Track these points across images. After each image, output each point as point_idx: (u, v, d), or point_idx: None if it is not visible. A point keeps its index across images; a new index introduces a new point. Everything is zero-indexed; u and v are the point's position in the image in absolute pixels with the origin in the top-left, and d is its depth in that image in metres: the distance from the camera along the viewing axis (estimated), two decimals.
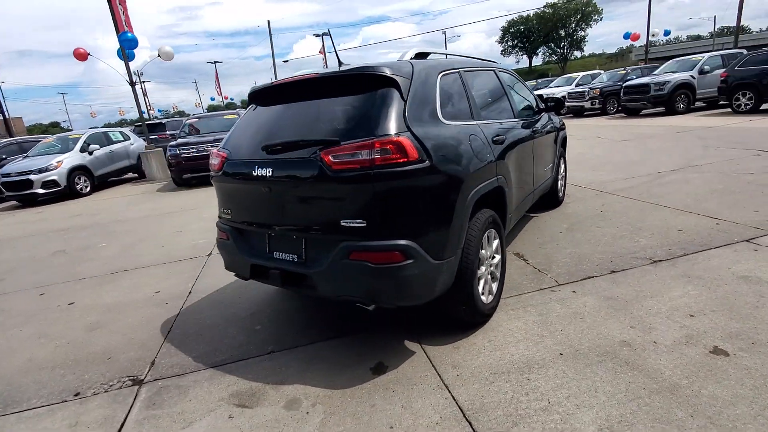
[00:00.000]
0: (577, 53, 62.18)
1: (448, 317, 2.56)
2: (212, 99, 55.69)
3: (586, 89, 15.85)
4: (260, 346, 2.66)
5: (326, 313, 3.00)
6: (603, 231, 3.95)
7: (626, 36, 26.89)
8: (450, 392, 2.05)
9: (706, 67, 12.84)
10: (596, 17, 57.13)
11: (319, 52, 29.31)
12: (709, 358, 2.07)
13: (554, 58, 61.67)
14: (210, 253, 4.63)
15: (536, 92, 16.33)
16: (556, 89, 17.89)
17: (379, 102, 2.08)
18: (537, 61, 66.15)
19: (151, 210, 7.66)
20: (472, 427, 1.82)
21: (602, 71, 19.79)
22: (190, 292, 3.63)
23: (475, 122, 2.62)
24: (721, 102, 12.72)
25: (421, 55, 2.63)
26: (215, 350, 2.67)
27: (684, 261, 3.14)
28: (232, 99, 65.98)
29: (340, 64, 2.63)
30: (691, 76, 12.80)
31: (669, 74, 13.28)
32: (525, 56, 65.16)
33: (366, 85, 2.16)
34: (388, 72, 2.12)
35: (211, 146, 9.00)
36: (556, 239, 3.89)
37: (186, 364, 2.55)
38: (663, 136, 9.23)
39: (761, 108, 11.01)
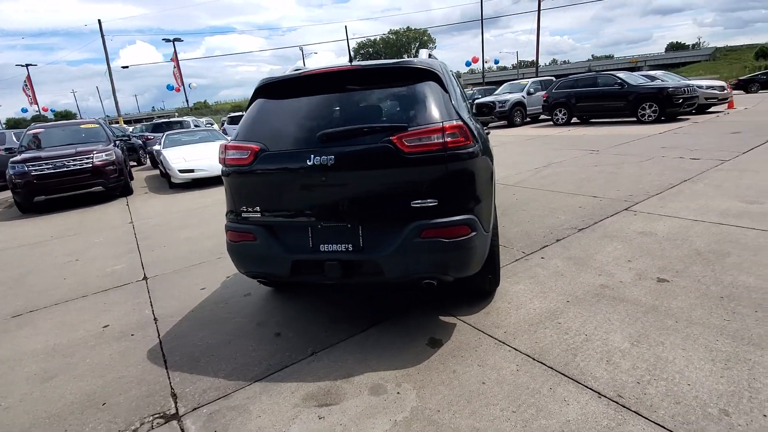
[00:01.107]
0: None
1: (470, 289, 2.87)
2: (24, 110, 43.96)
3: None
4: (297, 351, 2.51)
5: (343, 309, 2.97)
6: (529, 213, 4.81)
7: (468, 64, 32.02)
8: (509, 346, 2.36)
9: (531, 89, 16.22)
10: (431, 45, 65.51)
11: (171, 59, 26.15)
12: (660, 285, 2.86)
13: None
14: (144, 277, 3.94)
15: (483, 100, 17.13)
16: (508, 96, 19.90)
17: (429, 93, 2.28)
18: None
19: (10, 241, 5.91)
20: (545, 365, 2.16)
21: None
22: (156, 319, 3.09)
23: (472, 118, 3.01)
24: (542, 117, 16.16)
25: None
26: (245, 365, 2.41)
27: (598, 227, 4.12)
28: (53, 110, 53.23)
29: (351, 59, 2.72)
30: (523, 96, 15.99)
31: (507, 94, 16.31)
32: None
33: (408, 78, 2.34)
34: (429, 66, 2.35)
35: (74, 160, 7.41)
36: (498, 222, 4.57)
37: (221, 386, 2.25)
38: (518, 143, 11.34)
39: (572, 121, 14.46)
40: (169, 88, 27.15)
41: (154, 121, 15.74)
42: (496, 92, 17.66)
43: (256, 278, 2.65)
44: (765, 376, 1.92)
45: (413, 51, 65.08)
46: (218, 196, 7.63)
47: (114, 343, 2.80)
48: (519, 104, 15.83)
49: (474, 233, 2.23)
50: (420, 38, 64.16)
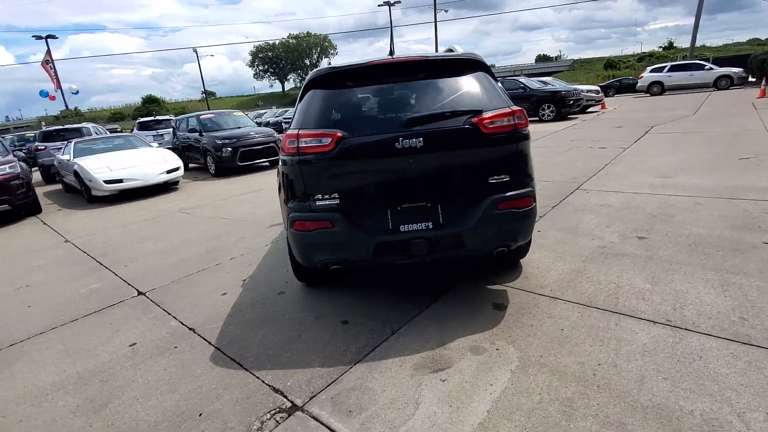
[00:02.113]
0: None
1: (506, 260, 3.21)
2: None
3: None
4: (376, 333, 2.57)
5: (396, 292, 3.07)
6: None
7: None
8: (562, 299, 2.74)
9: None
10: (333, 51, 66.06)
11: (43, 63, 21.87)
12: (642, 241, 3.52)
13: None
14: (140, 293, 3.52)
15: None
16: None
17: (486, 82, 2.55)
18: (290, 85, 70.64)
19: None
20: (600, 309, 2.58)
21: None
22: (192, 329, 2.83)
23: None
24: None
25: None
26: (333, 353, 2.41)
27: (566, 204, 4.81)
28: None
29: (392, 53, 2.86)
30: None
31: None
32: (278, 81, 68.33)
33: (465, 68, 2.58)
34: (480, 59, 2.62)
35: None
36: None
37: (323, 374, 2.23)
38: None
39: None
40: (43, 94, 22.91)
41: (44, 129, 13.38)
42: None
43: (330, 267, 2.60)
44: (753, 292, 2.57)
45: (315, 56, 64.95)
46: (159, 207, 6.94)
47: (159, 359, 2.53)
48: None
49: (535, 203, 2.56)
50: (321, 44, 64.20)
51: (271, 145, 9.84)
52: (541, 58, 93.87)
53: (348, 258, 2.50)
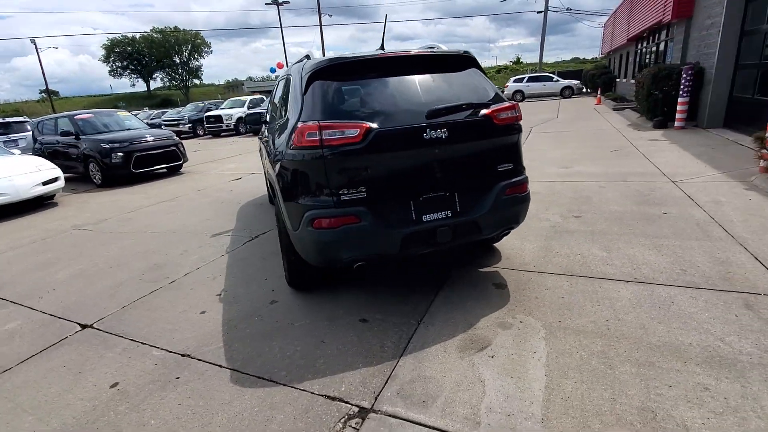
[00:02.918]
0: (197, 81, 64.02)
1: (485, 244, 3.47)
2: None
3: (263, 111, 17.89)
4: (402, 325, 2.57)
5: (401, 286, 3.07)
6: None
7: (272, 70, 32.65)
8: (548, 273, 3.10)
9: (251, 104, 18.65)
10: (206, 49, 60.96)
11: None
12: (579, 219, 4.16)
13: (174, 83, 60.78)
14: (85, 326, 2.86)
15: (213, 113, 18.21)
16: (233, 110, 19.14)
17: (483, 78, 2.75)
18: (157, 84, 62.97)
19: None
20: (582, 276, 2.99)
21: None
22: (186, 355, 2.44)
23: None
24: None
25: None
26: (370, 351, 2.34)
27: None
28: None
29: (383, 47, 2.88)
30: (244, 112, 18.02)
31: (230, 110, 18.44)
32: (141, 80, 60.31)
33: (462, 64, 2.73)
34: (474, 57, 2.80)
35: None
36: None
37: (374, 372, 2.16)
38: None
39: None
40: None
41: None
42: (222, 106, 20.24)
43: (354, 263, 2.49)
44: (678, 249, 3.27)
45: (186, 53, 59.10)
46: (45, 226, 5.67)
47: (163, 394, 2.13)
48: (240, 118, 18.08)
49: (529, 188, 2.85)
50: (192, 41, 58.69)
51: (172, 149, 8.75)
52: None
53: (376, 253, 2.45)
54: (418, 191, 2.48)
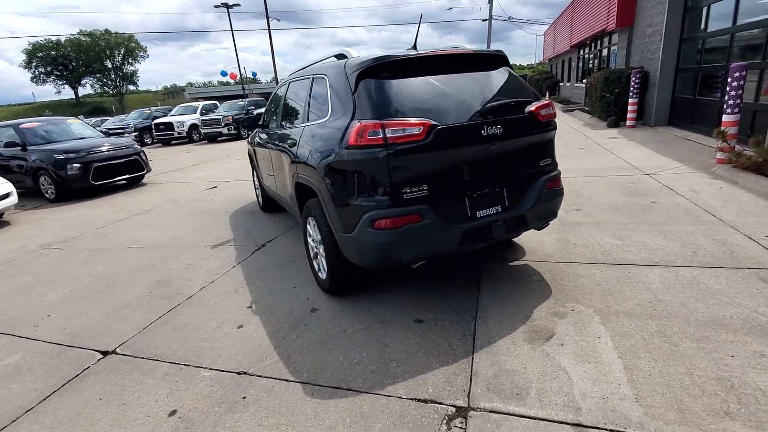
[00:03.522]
0: (132, 87, 59.81)
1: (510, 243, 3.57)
2: None
3: (220, 116, 17.10)
4: (460, 322, 2.58)
5: (430, 283, 3.06)
6: None
7: (224, 73, 31.45)
8: (576, 262, 3.24)
9: (203, 110, 18.20)
10: (142, 54, 57.24)
11: None
12: (582, 212, 4.39)
13: (107, 90, 56.38)
14: (107, 352, 2.56)
15: (163, 120, 17.38)
16: (184, 117, 18.13)
17: (517, 77, 2.83)
18: (86, 91, 58.08)
19: None
20: (607, 263, 3.16)
21: (218, 103, 21.30)
22: (243, 372, 2.26)
23: None
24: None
25: None
26: (441, 350, 2.32)
27: None
28: None
29: (415, 47, 2.89)
30: (197, 119, 17.67)
31: (182, 116, 17.90)
32: (68, 86, 55.33)
33: (499, 63, 2.79)
34: (507, 57, 2.88)
35: None
36: None
37: (451, 372, 2.14)
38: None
39: None
40: None
41: None
42: (172, 113, 19.44)
43: (416, 263, 2.44)
44: (682, 234, 3.56)
45: (119, 58, 55.10)
46: (4, 247, 5.02)
47: (233, 415, 1.96)
48: (194, 125, 17.65)
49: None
50: (125, 44, 54.86)
51: (134, 158, 8.10)
52: None
53: (438, 250, 2.43)
54: (473, 187, 2.50)
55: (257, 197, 5.80)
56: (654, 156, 6.70)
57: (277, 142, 3.71)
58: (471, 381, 2.07)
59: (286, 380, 2.19)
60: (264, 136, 4.39)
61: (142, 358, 2.51)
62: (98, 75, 54.96)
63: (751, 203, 4.18)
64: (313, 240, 3.09)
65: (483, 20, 32.66)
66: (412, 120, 2.27)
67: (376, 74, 2.45)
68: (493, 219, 2.53)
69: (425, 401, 1.96)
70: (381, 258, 2.43)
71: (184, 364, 2.41)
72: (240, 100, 19.41)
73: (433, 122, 2.30)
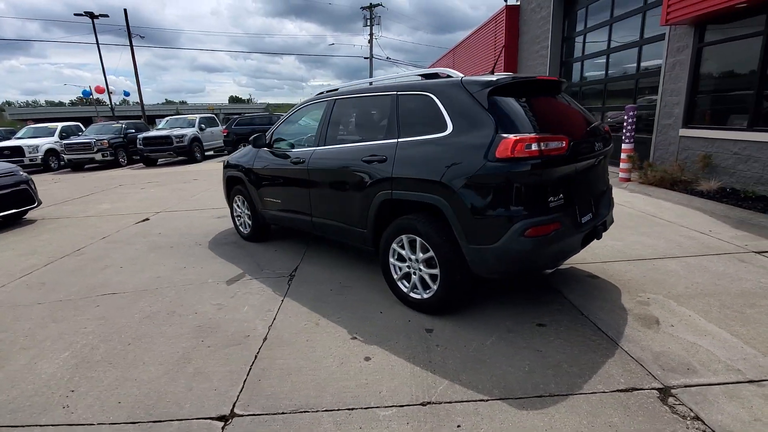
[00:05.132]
0: None
1: None
2: None
3: (92, 140, 14.31)
4: (578, 320, 2.78)
5: (501, 290, 3.20)
6: None
7: (86, 93, 27.08)
8: (611, 261, 3.77)
9: (202, 125, 15.96)
10: None
11: None
12: None
13: None
14: (236, 414, 1.99)
15: (8, 143, 13.87)
16: (37, 141, 14.67)
17: (571, 98, 3.28)
18: None
19: None
20: (643, 259, 3.77)
21: (57, 123, 17.67)
22: (427, 402, 2.03)
23: None
24: (227, 150, 16.31)
25: None
26: (586, 346, 2.46)
27: None
28: None
29: (493, 71, 3.13)
30: (198, 131, 15.47)
31: (180, 129, 15.22)
32: None
33: (561, 88, 3.20)
34: None
35: None
36: None
37: (615, 361, 2.30)
38: None
39: None
40: None
41: None
42: (159, 127, 16.15)
43: (554, 267, 2.67)
44: (658, 233, 4.45)
45: None
46: None
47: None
48: (196, 139, 15.24)
49: None
50: None
51: (22, 187, 6.29)
52: (234, 100, 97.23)
53: (569, 253, 2.64)
54: (581, 196, 2.80)
55: (237, 226, 5.12)
56: None
57: (329, 161, 3.45)
58: (643, 366, 2.28)
59: (482, 400, 2.07)
60: (279, 157, 4.04)
61: (283, 413, 2.04)
62: None
63: (675, 208, 5.46)
64: (408, 259, 2.96)
65: (366, 58, 34.90)
66: (558, 135, 2.48)
67: (507, 93, 2.60)
68: (592, 224, 2.86)
69: (628, 390, 2.09)
70: (526, 265, 2.51)
71: (349, 409, 2.05)
72: (115, 122, 16.72)
73: (570, 137, 2.55)
